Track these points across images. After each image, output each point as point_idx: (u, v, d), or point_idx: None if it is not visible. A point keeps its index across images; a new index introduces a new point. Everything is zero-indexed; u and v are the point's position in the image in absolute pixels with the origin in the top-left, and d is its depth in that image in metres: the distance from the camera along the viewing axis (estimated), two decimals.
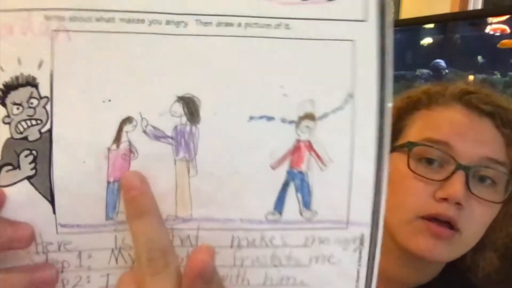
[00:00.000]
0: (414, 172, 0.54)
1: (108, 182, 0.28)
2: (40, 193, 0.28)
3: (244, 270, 0.31)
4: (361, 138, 0.29)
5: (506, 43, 1.88)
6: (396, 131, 0.59)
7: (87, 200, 0.28)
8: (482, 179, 0.54)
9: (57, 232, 0.28)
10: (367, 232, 0.31)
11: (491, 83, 1.79)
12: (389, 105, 0.29)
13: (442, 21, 2.16)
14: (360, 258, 0.31)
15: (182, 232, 0.29)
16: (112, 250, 0.29)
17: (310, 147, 0.29)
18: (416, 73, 2.12)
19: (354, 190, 0.30)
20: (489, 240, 0.59)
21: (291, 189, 0.30)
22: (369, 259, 0.32)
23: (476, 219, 0.53)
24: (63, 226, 0.28)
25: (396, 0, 3.24)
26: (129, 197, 0.27)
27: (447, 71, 1.96)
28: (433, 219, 0.52)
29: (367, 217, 0.31)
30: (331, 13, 0.28)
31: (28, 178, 0.27)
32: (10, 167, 0.27)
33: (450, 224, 0.52)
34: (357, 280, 0.31)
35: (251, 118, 0.28)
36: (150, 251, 0.27)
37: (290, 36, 0.28)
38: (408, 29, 2.21)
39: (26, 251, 0.28)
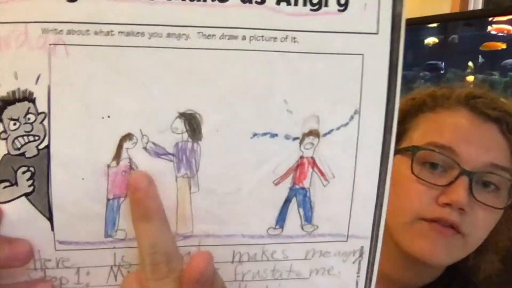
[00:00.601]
0: (417, 177, 0.53)
1: (108, 199, 0.27)
2: (38, 210, 0.27)
3: (245, 284, 0.30)
4: (365, 155, 0.29)
5: (488, 45, 1.89)
6: (400, 133, 0.59)
7: (86, 218, 0.27)
8: (485, 184, 0.53)
9: (55, 249, 0.28)
10: (366, 244, 0.31)
11: (491, 83, 1.78)
12: (395, 119, 0.29)
13: (443, 21, 2.15)
14: (359, 269, 0.31)
15: (182, 249, 0.29)
16: (111, 267, 0.29)
17: (313, 163, 0.29)
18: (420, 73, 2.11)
19: (356, 205, 0.30)
20: (491, 243, 0.58)
21: (293, 205, 0.29)
22: (367, 270, 0.32)
23: (479, 224, 0.53)
24: (61, 243, 0.28)
25: None
26: (135, 198, 0.27)
27: (442, 71, 1.97)
28: (435, 223, 0.52)
29: (368, 231, 0.31)
30: (341, 25, 0.28)
31: (26, 195, 0.27)
32: (7, 184, 0.26)
33: (453, 228, 0.52)
34: None
35: (255, 134, 0.28)
36: (154, 256, 0.26)
37: (297, 50, 0.27)
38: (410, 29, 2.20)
39: (24, 268, 0.27)
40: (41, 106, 0.26)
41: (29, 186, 0.27)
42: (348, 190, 0.30)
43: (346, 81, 0.28)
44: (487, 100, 0.56)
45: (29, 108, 0.26)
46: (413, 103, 0.60)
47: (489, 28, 1.85)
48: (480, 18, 1.99)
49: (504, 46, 1.89)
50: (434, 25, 2.14)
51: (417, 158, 0.54)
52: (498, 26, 1.83)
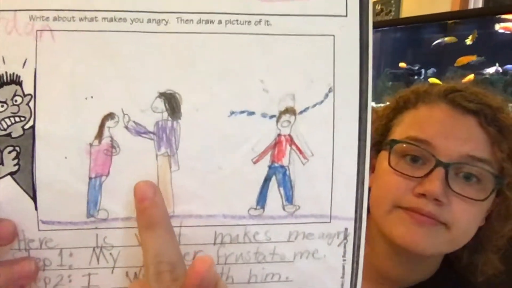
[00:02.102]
0: (393, 169, 0.55)
1: (90, 178, 0.28)
2: (22, 189, 0.28)
3: (228, 267, 0.30)
4: (342, 132, 0.30)
5: (462, 60, 1.92)
6: (387, 130, 0.61)
7: (69, 196, 0.28)
8: (467, 177, 0.53)
9: (38, 229, 0.28)
10: (351, 226, 0.31)
11: (491, 82, 1.80)
12: (369, 98, 0.30)
13: (442, 20, 2.19)
14: (345, 252, 0.31)
15: None
16: (94, 249, 0.29)
17: (291, 141, 0.30)
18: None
19: (337, 183, 0.30)
20: (486, 241, 0.58)
21: (273, 184, 0.30)
22: (353, 253, 0.32)
23: (460, 216, 0.52)
24: (44, 223, 0.28)
25: None
26: (141, 207, 0.27)
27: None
28: (411, 211, 0.53)
29: (351, 211, 0.31)
30: (311, 8, 0.29)
31: (11, 174, 0.28)
32: None
33: (431, 218, 0.52)
34: (343, 276, 0.31)
35: (232, 113, 0.29)
36: (158, 265, 0.27)
37: (271, 32, 0.29)
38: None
39: (8, 248, 0.28)
40: (28, 88, 0.28)
41: (15, 165, 0.28)
42: (328, 168, 0.30)
43: (319, 61, 0.29)
44: (466, 93, 0.57)
45: (16, 90, 0.27)
46: (399, 100, 0.62)
47: (497, 26, 1.88)
48: (480, 17, 2.01)
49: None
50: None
51: (396, 151, 0.56)
52: (505, 24, 1.87)
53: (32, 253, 0.28)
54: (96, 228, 0.29)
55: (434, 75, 2.12)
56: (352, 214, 0.31)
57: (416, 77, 2.24)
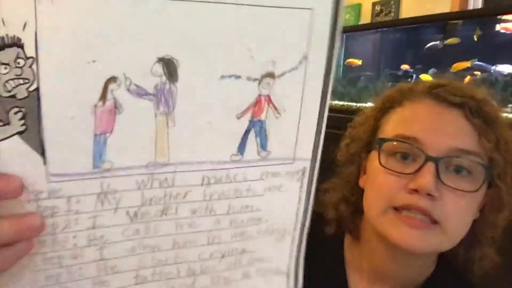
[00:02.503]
0: (384, 167, 0.56)
1: (95, 135, 0.31)
2: (31, 147, 0.30)
3: (212, 203, 0.36)
4: (310, 92, 0.36)
5: (458, 66, 1.98)
6: (376, 130, 0.62)
7: (76, 151, 0.31)
8: (457, 170, 0.54)
9: (47, 181, 0.31)
10: (307, 165, 0.39)
11: (491, 82, 1.83)
12: (333, 65, 0.36)
13: (442, 21, 2.17)
14: (301, 185, 0.39)
15: (161, 176, 0.34)
16: (98, 194, 0.33)
17: (269, 100, 0.35)
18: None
19: (300, 133, 0.37)
20: (480, 235, 0.59)
21: (252, 135, 0.36)
22: (308, 185, 0.40)
23: (452, 209, 0.53)
24: (53, 175, 0.31)
25: (396, 0, 3.19)
26: None
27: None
28: (406, 210, 0.53)
29: (309, 154, 0.38)
30: None
31: (19, 133, 0.29)
32: (0, 123, 0.29)
33: (426, 217, 0.53)
34: (299, 202, 0.40)
35: (222, 77, 0.33)
36: None
37: (256, 3, 0.32)
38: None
39: (17, 201, 0.30)
40: (29, 51, 0.28)
41: (22, 125, 0.29)
42: (295, 121, 0.36)
43: (297, 32, 0.34)
44: (450, 87, 0.58)
45: (18, 53, 0.28)
46: (385, 100, 0.63)
47: (498, 27, 1.89)
48: (480, 17, 2.02)
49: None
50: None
51: (386, 150, 0.57)
52: (505, 25, 1.88)
53: (41, 203, 0.31)
54: (101, 177, 0.32)
55: (434, 76, 2.08)
56: (309, 155, 0.38)
57: (409, 79, 2.17)
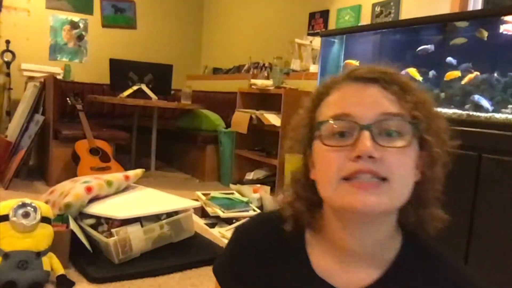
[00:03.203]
0: (327, 145, 0.62)
1: None
2: None
3: None
4: None
5: (450, 74, 1.97)
6: (313, 127, 0.67)
7: None
8: (388, 133, 0.61)
9: None
10: None
11: (490, 83, 1.84)
12: None
13: (442, 22, 2.14)
14: None
15: None
16: None
17: None
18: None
19: None
20: (425, 194, 0.66)
21: None
22: None
23: (394, 165, 0.59)
24: None
25: (396, 0, 3.17)
26: None
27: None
28: (355, 178, 0.59)
29: None
30: None
31: None
32: None
33: (374, 177, 0.59)
34: None
35: None
36: None
37: None
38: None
39: None
40: None
41: None
42: None
43: None
44: (365, 68, 0.66)
45: None
46: (314, 97, 0.70)
47: (497, 28, 1.87)
48: (480, 18, 2.00)
49: None
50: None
51: (325, 133, 0.63)
52: (505, 26, 1.86)
53: None
54: None
55: (434, 77, 2.10)
56: None
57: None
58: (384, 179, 0.59)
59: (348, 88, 0.65)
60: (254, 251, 0.73)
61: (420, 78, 2.18)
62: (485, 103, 1.84)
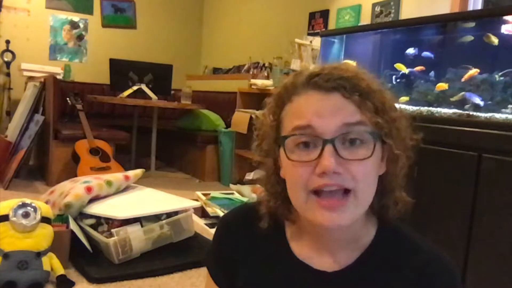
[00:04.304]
0: (292, 161, 0.64)
1: None
2: None
3: None
4: None
5: (440, 86, 1.97)
6: (278, 126, 0.69)
7: None
8: (352, 142, 0.63)
9: None
10: None
11: (490, 83, 1.83)
12: None
13: (442, 22, 2.12)
14: None
15: None
16: None
17: None
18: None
19: None
20: (389, 184, 0.69)
21: None
22: None
23: (358, 175, 0.62)
24: None
25: (396, 0, 3.16)
26: None
27: None
28: (322, 194, 0.62)
29: None
30: None
31: None
32: None
33: (340, 190, 0.62)
34: None
35: None
36: None
37: None
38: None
39: None
40: None
41: None
42: None
43: None
44: (323, 75, 0.65)
45: None
46: (276, 99, 0.70)
47: (497, 28, 1.86)
48: (479, 18, 1.98)
49: None
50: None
51: (290, 144, 0.65)
52: (505, 26, 1.84)
53: None
54: None
55: (434, 76, 2.09)
56: None
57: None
58: (349, 189, 0.62)
59: (309, 98, 0.65)
60: (237, 239, 0.77)
61: (406, 71, 2.19)
62: (477, 100, 1.85)
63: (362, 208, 0.65)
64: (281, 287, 0.72)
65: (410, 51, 2.24)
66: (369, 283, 0.68)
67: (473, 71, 1.92)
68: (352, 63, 2.45)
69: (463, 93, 1.90)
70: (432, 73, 2.15)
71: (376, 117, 0.64)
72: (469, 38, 2.00)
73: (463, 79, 1.95)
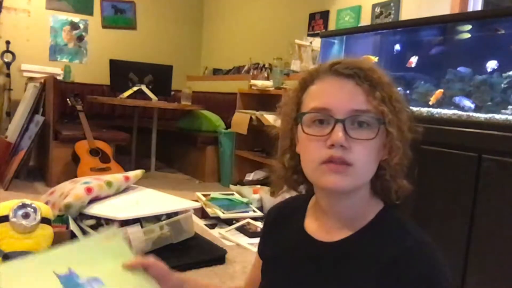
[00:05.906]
0: (308, 134, 0.76)
1: None
2: None
3: None
4: None
5: (435, 96, 1.97)
6: (299, 106, 0.81)
7: None
8: (360, 124, 0.74)
9: None
10: None
11: (490, 84, 1.83)
12: None
13: (442, 23, 2.12)
14: None
15: None
16: None
17: None
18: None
19: None
20: (390, 169, 0.78)
21: None
22: None
23: (359, 153, 0.73)
24: None
25: (396, 0, 3.16)
26: None
27: None
28: (330, 161, 0.73)
29: None
30: None
31: None
32: None
33: (343, 163, 0.73)
34: None
35: None
36: None
37: None
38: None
39: None
40: None
41: None
42: None
43: None
44: (343, 63, 0.77)
45: None
46: (301, 82, 0.82)
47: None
48: (479, 19, 1.98)
49: None
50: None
51: (306, 121, 0.77)
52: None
53: None
54: None
55: (434, 77, 2.10)
56: None
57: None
58: (351, 164, 0.73)
59: (328, 83, 0.77)
60: (275, 221, 0.94)
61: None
62: (468, 103, 1.85)
63: (360, 181, 0.76)
64: (287, 249, 0.86)
65: (410, 51, 2.25)
66: (354, 257, 0.76)
67: (438, 92, 1.98)
68: (373, 58, 2.47)
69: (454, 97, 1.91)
70: (432, 74, 2.15)
71: (382, 106, 0.74)
72: (466, 35, 2.01)
73: (430, 102, 2.00)
